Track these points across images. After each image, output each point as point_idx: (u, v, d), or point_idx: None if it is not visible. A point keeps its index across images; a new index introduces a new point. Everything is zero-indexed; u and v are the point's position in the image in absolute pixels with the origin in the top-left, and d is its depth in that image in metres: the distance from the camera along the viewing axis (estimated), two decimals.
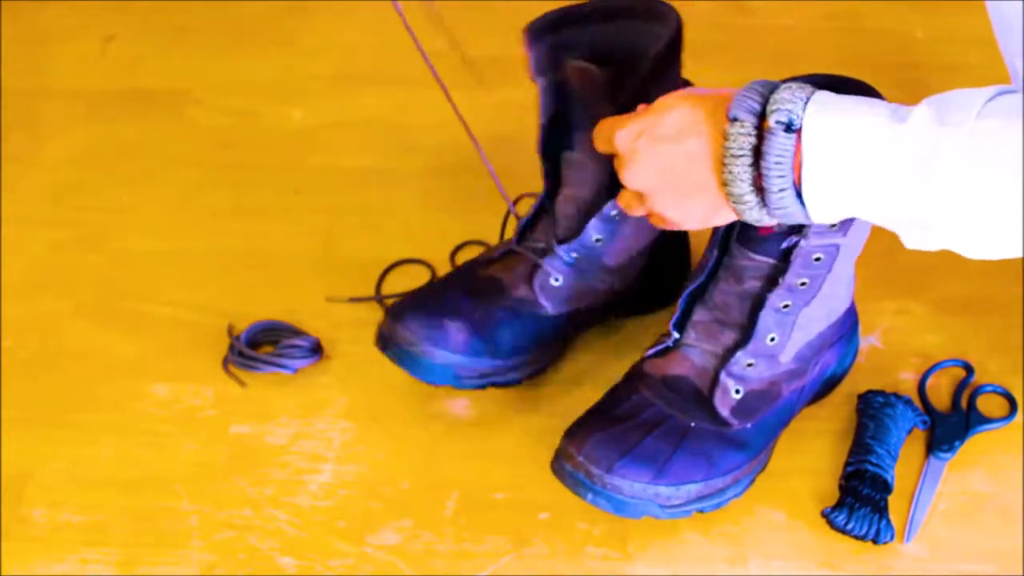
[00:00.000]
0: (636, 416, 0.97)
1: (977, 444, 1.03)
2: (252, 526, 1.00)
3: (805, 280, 0.96)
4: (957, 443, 1.03)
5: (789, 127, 0.80)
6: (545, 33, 1.02)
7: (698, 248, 1.12)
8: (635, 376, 1.01)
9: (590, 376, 1.10)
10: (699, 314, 1.00)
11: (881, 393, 1.04)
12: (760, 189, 0.82)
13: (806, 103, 0.80)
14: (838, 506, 0.98)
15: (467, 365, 1.04)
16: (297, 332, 1.13)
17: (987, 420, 1.04)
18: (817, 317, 0.99)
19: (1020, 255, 0.79)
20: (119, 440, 1.07)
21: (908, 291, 1.15)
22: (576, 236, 1.05)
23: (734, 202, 0.83)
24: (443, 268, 1.19)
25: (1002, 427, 1.05)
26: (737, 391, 0.98)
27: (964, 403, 1.06)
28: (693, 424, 0.97)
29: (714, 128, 0.83)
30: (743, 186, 0.82)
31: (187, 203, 1.28)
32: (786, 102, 0.80)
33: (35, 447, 1.06)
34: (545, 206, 1.08)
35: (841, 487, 1.00)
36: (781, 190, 0.81)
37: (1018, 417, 1.05)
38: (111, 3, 1.52)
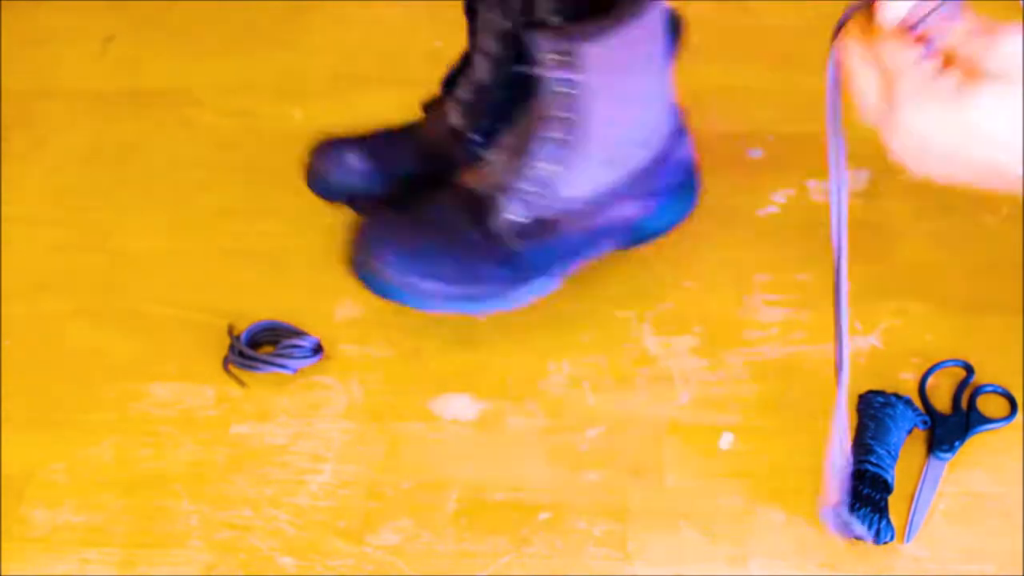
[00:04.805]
0: (424, 217, 1.09)
1: (977, 444, 1.03)
2: (252, 526, 1.00)
3: (568, 116, 1.02)
4: (957, 443, 1.03)
5: None
6: None
7: None
8: (446, 184, 1.11)
9: (589, 375, 1.10)
10: (508, 139, 1.07)
11: (881, 393, 1.04)
12: None
13: None
14: None
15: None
16: (297, 332, 1.13)
17: (987, 420, 1.04)
18: (601, 160, 1.05)
19: None
20: (119, 440, 1.07)
21: (908, 291, 1.15)
22: None
23: None
24: None
25: (1002, 427, 1.05)
26: (515, 212, 1.06)
27: (964, 403, 1.06)
28: (471, 234, 1.07)
29: None
30: None
31: (187, 203, 1.28)
32: None
33: (35, 447, 1.06)
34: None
35: None
36: None
37: (1018, 417, 1.05)
38: (111, 3, 1.52)
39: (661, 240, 1.21)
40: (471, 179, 1.11)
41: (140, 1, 1.52)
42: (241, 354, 1.11)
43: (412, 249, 1.07)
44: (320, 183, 1.18)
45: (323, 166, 1.17)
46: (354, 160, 1.16)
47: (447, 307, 1.08)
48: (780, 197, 1.25)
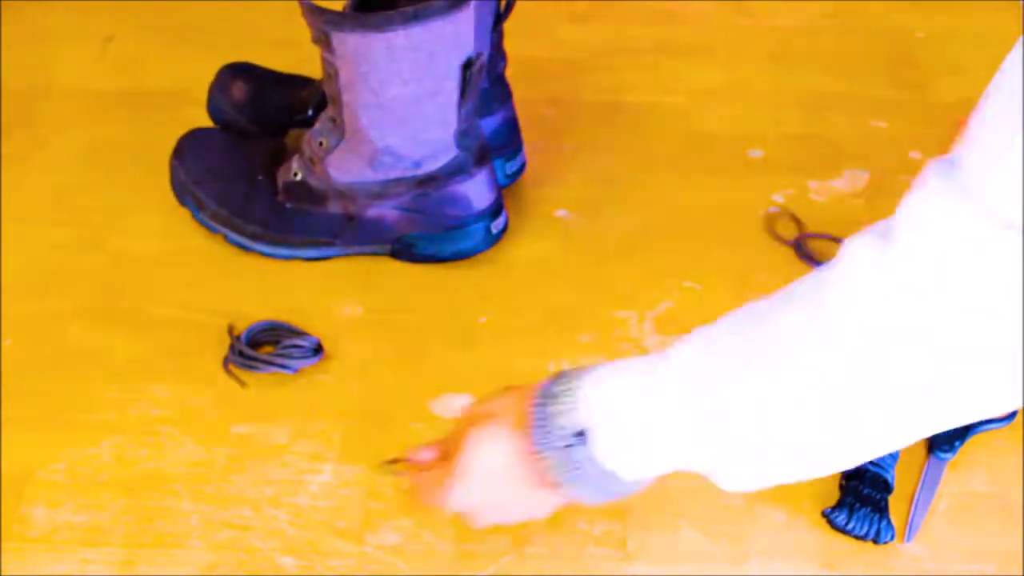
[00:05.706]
0: (243, 149, 1.22)
1: (977, 444, 1.04)
2: (252, 526, 1.00)
3: (334, 97, 1.10)
4: (957, 443, 1.03)
5: (581, 433, 0.80)
6: None
7: None
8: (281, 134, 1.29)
9: None
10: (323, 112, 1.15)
11: None
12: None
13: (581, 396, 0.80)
14: (838, 506, 0.98)
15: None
16: (297, 332, 1.13)
17: (987, 420, 1.04)
18: (362, 155, 1.13)
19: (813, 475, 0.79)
20: (119, 440, 1.07)
21: None
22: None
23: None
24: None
25: (1002, 427, 1.05)
26: (296, 174, 1.17)
27: None
28: (261, 176, 1.19)
29: (517, 449, 0.83)
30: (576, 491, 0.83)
31: None
32: (563, 416, 0.80)
33: (35, 447, 1.06)
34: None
35: (841, 487, 1.00)
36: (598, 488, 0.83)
37: (1018, 417, 1.05)
38: (111, 3, 1.52)
39: (661, 240, 1.21)
40: (292, 136, 1.27)
41: (140, 1, 1.52)
42: (241, 354, 1.11)
43: (211, 164, 1.21)
44: (210, 104, 1.31)
45: (215, 91, 1.31)
46: (239, 92, 1.30)
47: (213, 226, 1.21)
48: (780, 197, 1.25)
